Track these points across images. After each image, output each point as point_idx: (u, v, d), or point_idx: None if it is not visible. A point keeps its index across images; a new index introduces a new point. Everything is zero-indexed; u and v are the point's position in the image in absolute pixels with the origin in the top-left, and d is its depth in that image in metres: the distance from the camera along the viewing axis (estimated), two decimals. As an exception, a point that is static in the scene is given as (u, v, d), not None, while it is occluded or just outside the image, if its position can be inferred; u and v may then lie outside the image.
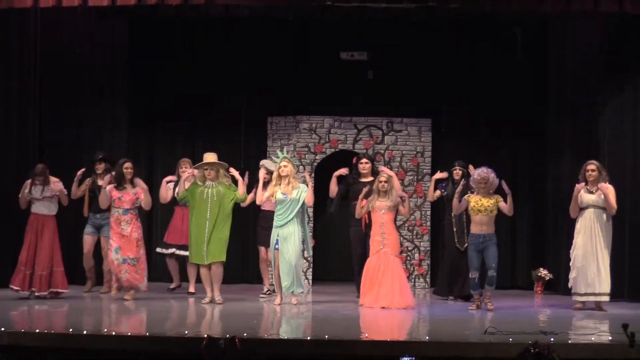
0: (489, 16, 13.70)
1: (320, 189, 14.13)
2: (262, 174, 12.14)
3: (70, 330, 9.46)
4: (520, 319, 10.90)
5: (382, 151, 14.56)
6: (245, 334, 9.26)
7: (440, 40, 14.72)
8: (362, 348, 8.99)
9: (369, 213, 11.94)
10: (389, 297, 11.49)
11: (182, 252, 12.69)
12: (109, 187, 11.82)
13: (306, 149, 14.58)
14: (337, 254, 14.11)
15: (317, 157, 14.60)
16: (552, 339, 9.05)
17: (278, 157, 11.82)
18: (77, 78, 14.04)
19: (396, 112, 14.69)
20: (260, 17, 14.02)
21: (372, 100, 14.78)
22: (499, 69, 14.67)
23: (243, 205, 12.22)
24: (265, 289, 12.62)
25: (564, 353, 8.75)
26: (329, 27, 14.52)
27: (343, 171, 12.47)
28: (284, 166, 11.62)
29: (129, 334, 9.25)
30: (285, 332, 9.95)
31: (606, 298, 11.33)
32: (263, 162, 12.69)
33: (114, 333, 9.25)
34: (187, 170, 11.97)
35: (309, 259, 14.49)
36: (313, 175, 14.44)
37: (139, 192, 11.85)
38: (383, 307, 11.42)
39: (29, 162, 12.88)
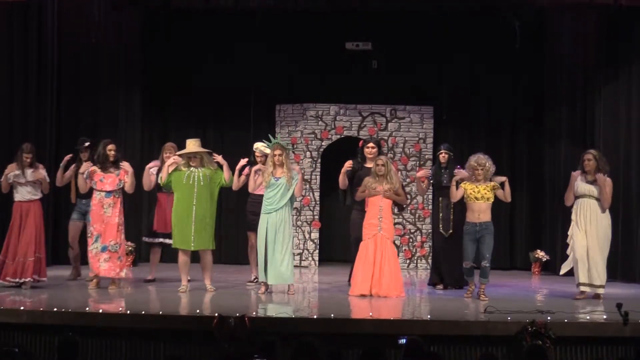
0: (489, 8, 13.67)
1: (325, 174, 14.17)
2: (257, 165, 11.52)
3: (87, 309, 9.49)
4: (518, 299, 10.89)
5: (385, 137, 14.55)
6: (254, 313, 9.28)
7: (442, 31, 14.68)
8: (368, 326, 8.99)
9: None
10: (385, 286, 10.92)
11: (168, 241, 12.02)
12: (91, 169, 11.19)
13: (313, 136, 14.58)
14: (343, 236, 14.06)
15: (323, 143, 14.61)
16: (548, 318, 9.04)
17: (270, 142, 11.19)
18: (93, 67, 14.00)
19: (399, 100, 14.70)
20: (269, 8, 13.98)
21: (376, 88, 14.76)
22: (498, 59, 14.65)
23: (234, 188, 11.64)
24: (253, 277, 11.91)
25: (560, 331, 8.78)
26: (334, 18, 14.48)
27: (349, 165, 11.65)
28: (278, 155, 10.97)
29: (143, 312, 9.25)
30: (292, 311, 9.94)
31: (602, 290, 10.80)
32: (257, 145, 11.96)
33: (128, 312, 9.26)
34: (170, 157, 11.38)
35: (315, 240, 14.51)
36: (319, 160, 14.45)
37: (122, 174, 11.22)
38: (378, 295, 10.83)
39: (47, 151, 12.85)
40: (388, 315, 9.63)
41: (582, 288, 10.85)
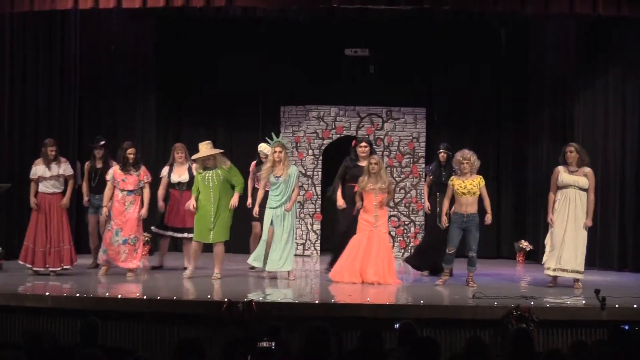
0: (477, 17, 13.68)
1: (326, 170, 14.15)
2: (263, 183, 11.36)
3: (107, 294, 9.48)
4: (504, 285, 10.90)
5: (382, 137, 14.54)
6: (260, 298, 9.27)
7: (433, 38, 14.68)
8: (366, 311, 8.98)
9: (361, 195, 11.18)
10: (381, 273, 10.82)
11: (177, 235, 12.02)
12: (113, 171, 11.11)
13: (315, 135, 14.56)
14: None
15: (324, 142, 14.59)
16: (532, 303, 9.05)
17: (272, 140, 11.19)
18: (112, 73, 13.99)
19: (394, 102, 14.66)
20: (274, 18, 13.99)
21: (373, 91, 14.72)
22: (486, 65, 14.66)
23: None
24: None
25: (543, 315, 8.78)
26: (334, 27, 14.49)
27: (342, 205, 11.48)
28: (279, 152, 11.01)
29: (159, 297, 9.25)
30: (296, 297, 9.92)
31: (581, 276, 10.61)
32: (260, 148, 11.91)
33: (145, 297, 9.26)
34: (181, 155, 11.88)
35: (317, 232, 14.50)
36: (320, 157, 14.45)
37: (142, 174, 11.18)
38: (374, 283, 10.73)
39: (69, 150, 12.80)
40: (384, 301, 9.62)
41: (553, 273, 10.62)
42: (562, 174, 10.72)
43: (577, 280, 10.64)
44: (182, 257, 12.16)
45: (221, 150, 11.28)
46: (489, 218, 10.78)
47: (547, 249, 10.82)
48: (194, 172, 11.52)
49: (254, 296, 9.27)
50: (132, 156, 11.14)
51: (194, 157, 11.21)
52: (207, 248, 11.38)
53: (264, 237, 11.12)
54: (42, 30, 12.83)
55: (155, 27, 14.68)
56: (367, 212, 11.03)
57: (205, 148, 11.09)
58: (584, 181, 10.67)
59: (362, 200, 11.09)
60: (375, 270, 10.87)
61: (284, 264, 11.03)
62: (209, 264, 11.35)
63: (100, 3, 11.16)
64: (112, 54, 13.80)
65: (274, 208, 11.05)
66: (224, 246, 11.17)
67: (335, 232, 11.79)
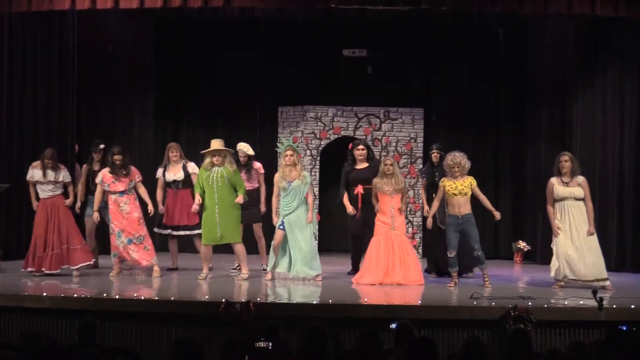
0: (475, 17, 13.68)
1: (324, 171, 14.16)
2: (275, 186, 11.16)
3: (104, 295, 9.49)
4: (502, 286, 10.88)
5: (379, 137, 14.55)
6: (258, 299, 9.27)
7: (432, 39, 14.69)
8: (364, 311, 9.00)
9: (363, 196, 11.35)
10: (405, 274, 10.77)
11: (176, 233, 11.96)
12: (102, 174, 11.17)
13: (312, 135, 14.57)
14: (341, 227, 14.03)
15: (322, 143, 14.60)
16: (530, 303, 9.06)
17: (282, 144, 11.22)
18: (110, 73, 13.99)
19: (392, 103, 14.68)
20: (273, 18, 13.99)
21: (371, 92, 14.73)
22: (484, 66, 14.65)
23: None
24: (236, 265, 11.66)
25: (541, 316, 8.79)
26: (333, 27, 14.49)
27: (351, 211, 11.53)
28: (290, 155, 10.95)
29: (157, 298, 9.25)
30: (294, 297, 9.93)
31: (607, 282, 10.44)
32: (239, 147, 11.82)
33: (143, 297, 9.26)
34: (176, 155, 11.86)
35: (315, 232, 14.49)
36: (318, 158, 14.45)
37: (133, 174, 11.20)
38: (398, 284, 10.69)
39: (67, 150, 12.81)
40: (383, 301, 9.62)
41: (566, 281, 10.55)
42: (557, 187, 10.65)
43: (604, 286, 10.40)
44: (189, 257, 12.14)
45: (232, 150, 11.28)
46: (497, 214, 10.82)
47: (554, 257, 10.68)
48: (189, 170, 11.60)
49: (252, 296, 9.27)
50: (118, 162, 11.14)
51: (203, 152, 11.19)
52: (221, 249, 11.60)
53: (274, 241, 11.04)
54: (40, 31, 12.81)
55: (153, 27, 14.71)
56: (384, 213, 11.00)
57: (217, 144, 11.07)
58: (579, 191, 10.61)
59: (377, 200, 11.06)
60: (399, 270, 10.82)
61: (317, 267, 11.02)
62: (199, 264, 11.34)
63: (97, 3, 11.17)
64: (110, 55, 13.80)
65: (287, 215, 10.93)
66: (242, 244, 11.14)
67: (349, 236, 11.84)
